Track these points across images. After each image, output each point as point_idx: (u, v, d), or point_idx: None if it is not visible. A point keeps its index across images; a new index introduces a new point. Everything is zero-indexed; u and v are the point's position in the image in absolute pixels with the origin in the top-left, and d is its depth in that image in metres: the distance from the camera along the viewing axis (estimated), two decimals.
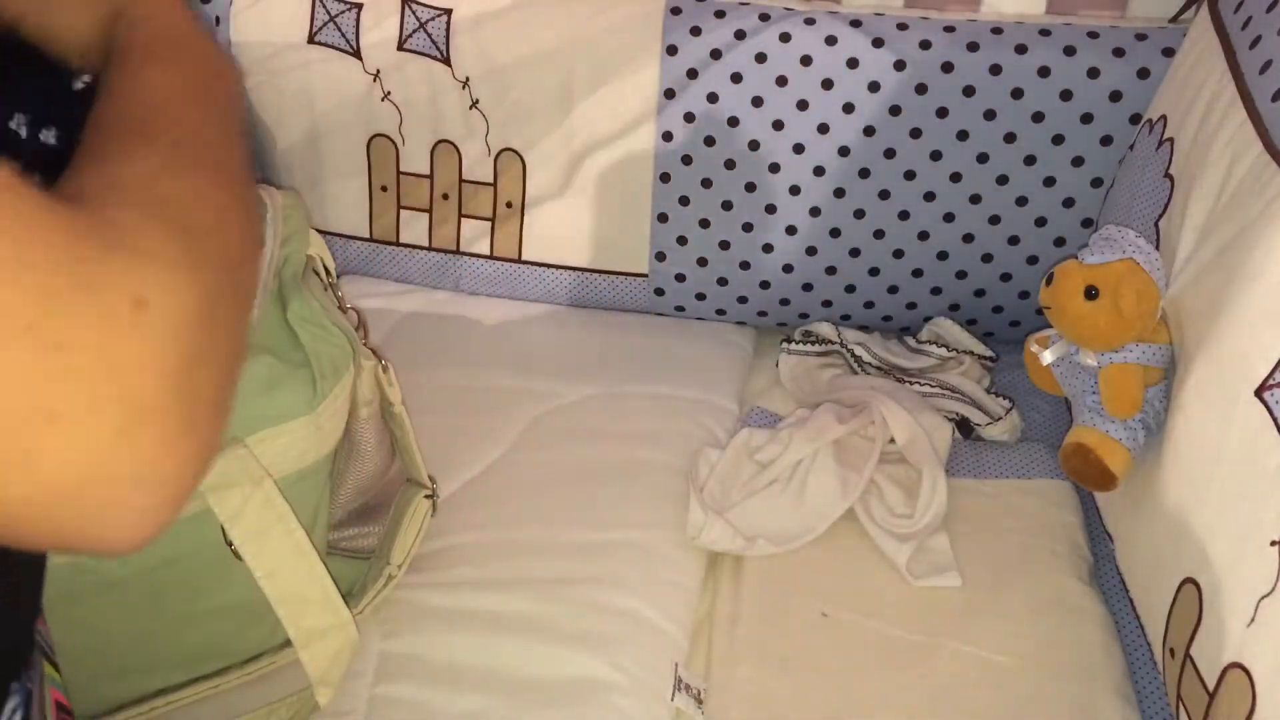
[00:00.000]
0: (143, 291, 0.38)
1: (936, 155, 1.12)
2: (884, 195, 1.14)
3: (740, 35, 1.13)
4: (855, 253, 1.18)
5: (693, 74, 1.14)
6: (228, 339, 0.43)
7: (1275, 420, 0.70)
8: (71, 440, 0.36)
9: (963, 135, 1.11)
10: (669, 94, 1.15)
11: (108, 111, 0.51)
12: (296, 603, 0.77)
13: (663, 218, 1.20)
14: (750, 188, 1.16)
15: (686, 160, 1.17)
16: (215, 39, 0.63)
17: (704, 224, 1.19)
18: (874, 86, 1.11)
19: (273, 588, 0.75)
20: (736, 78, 1.13)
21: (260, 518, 0.74)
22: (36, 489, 0.36)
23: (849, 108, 1.12)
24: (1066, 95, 1.09)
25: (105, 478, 0.37)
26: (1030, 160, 1.11)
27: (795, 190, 1.16)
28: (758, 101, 1.13)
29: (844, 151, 1.13)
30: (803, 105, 1.12)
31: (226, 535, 0.74)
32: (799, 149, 1.14)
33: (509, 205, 1.24)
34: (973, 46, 1.09)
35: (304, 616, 0.77)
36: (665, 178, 1.18)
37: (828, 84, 1.11)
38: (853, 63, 1.11)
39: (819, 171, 1.14)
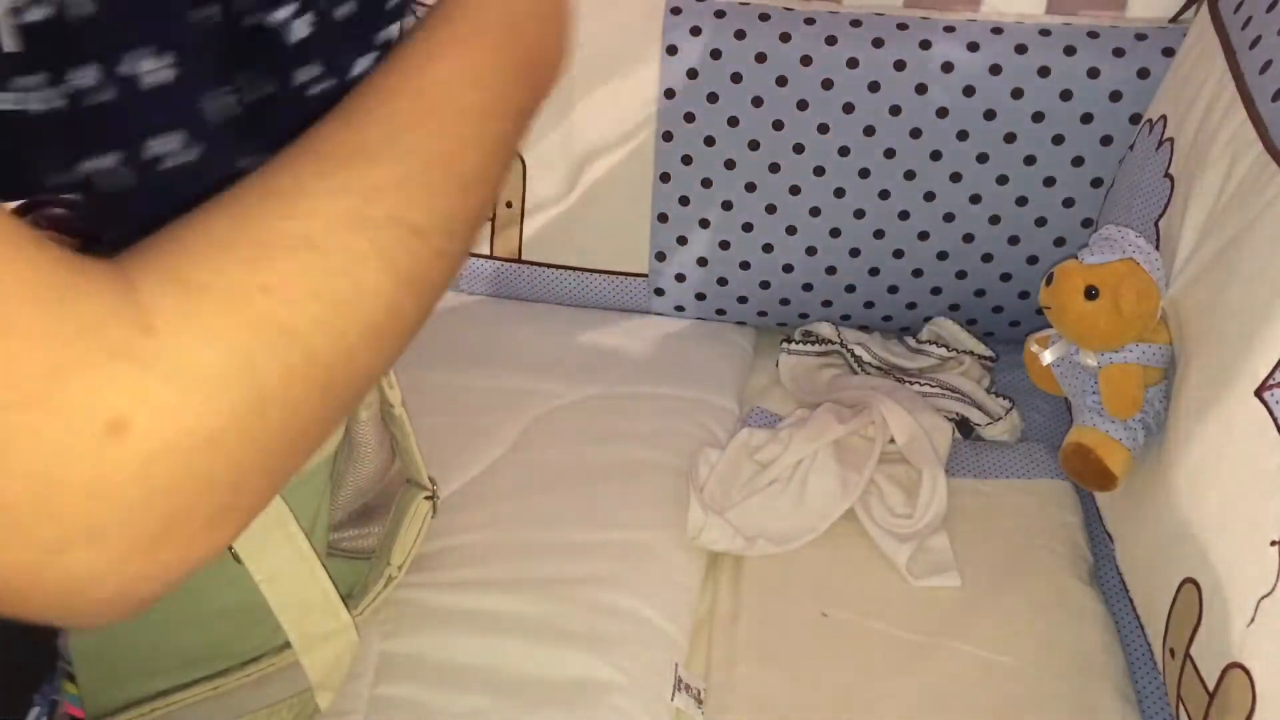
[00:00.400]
0: (128, 412, 0.30)
1: (936, 155, 1.12)
2: (884, 195, 1.14)
3: (740, 35, 1.12)
4: (855, 253, 1.18)
5: (693, 74, 1.14)
6: (264, 452, 0.35)
7: (1275, 420, 0.70)
8: None
9: (963, 135, 1.11)
10: (669, 94, 1.15)
11: (350, 104, 0.41)
12: (297, 607, 0.77)
13: (663, 218, 1.20)
14: (750, 188, 1.16)
15: (686, 160, 1.16)
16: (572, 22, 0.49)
17: (704, 224, 1.19)
18: (874, 86, 1.11)
19: (273, 592, 0.75)
20: (736, 78, 1.13)
21: (260, 521, 0.73)
22: None
23: (849, 108, 1.12)
24: (1066, 95, 1.09)
25: (41, 589, 0.31)
26: (1030, 160, 1.11)
27: (795, 190, 1.16)
28: (758, 101, 1.13)
29: (844, 151, 1.13)
30: (803, 105, 1.12)
31: None
32: (799, 149, 1.14)
33: (509, 205, 1.23)
34: (973, 46, 1.09)
35: (305, 621, 0.77)
36: (665, 178, 1.18)
37: (828, 84, 1.11)
38: (853, 63, 1.11)
39: (819, 171, 1.14)
